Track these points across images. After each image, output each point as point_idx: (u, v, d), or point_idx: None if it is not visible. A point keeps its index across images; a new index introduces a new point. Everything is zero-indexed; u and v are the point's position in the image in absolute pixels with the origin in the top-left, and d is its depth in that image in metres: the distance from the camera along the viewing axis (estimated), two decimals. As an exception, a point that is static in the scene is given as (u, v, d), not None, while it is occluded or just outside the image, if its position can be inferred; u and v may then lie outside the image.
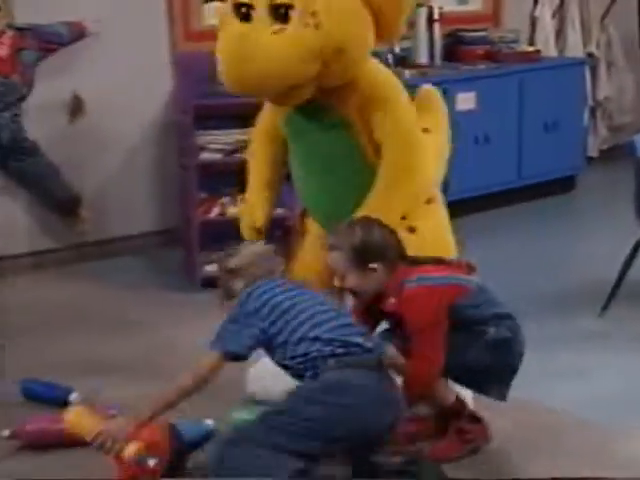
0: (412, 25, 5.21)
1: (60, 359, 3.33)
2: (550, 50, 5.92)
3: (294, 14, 2.66)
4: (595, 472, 2.51)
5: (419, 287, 2.50)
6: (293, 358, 2.35)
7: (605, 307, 3.69)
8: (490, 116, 5.11)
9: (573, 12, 6.14)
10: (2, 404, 2.95)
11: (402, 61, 5.16)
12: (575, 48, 6.10)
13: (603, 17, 6.28)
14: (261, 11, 2.69)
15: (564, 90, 5.48)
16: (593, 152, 6.21)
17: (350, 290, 2.58)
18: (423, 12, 5.21)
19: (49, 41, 4.19)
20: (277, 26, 2.66)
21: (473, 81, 5.13)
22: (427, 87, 3.27)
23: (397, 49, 5.19)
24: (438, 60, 5.29)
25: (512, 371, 2.59)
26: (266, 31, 2.67)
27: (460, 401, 2.64)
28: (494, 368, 2.56)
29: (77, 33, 4.27)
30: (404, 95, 2.93)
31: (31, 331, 3.62)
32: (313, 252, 2.94)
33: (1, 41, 4.05)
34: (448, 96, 4.97)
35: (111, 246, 4.63)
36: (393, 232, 2.60)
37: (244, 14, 2.72)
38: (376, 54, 4.98)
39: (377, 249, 2.52)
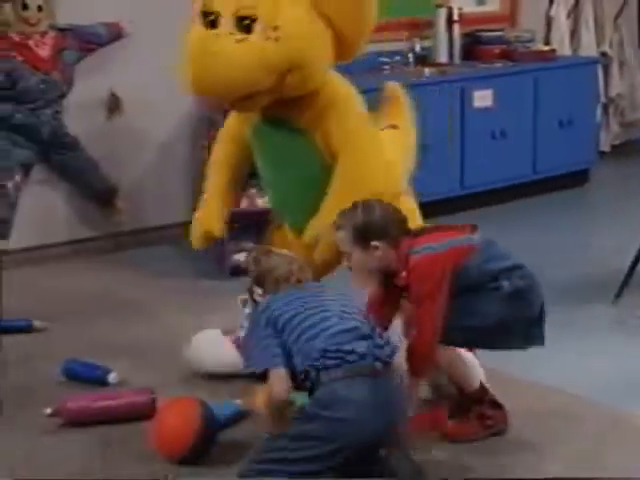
0: (432, 25, 5.21)
1: (98, 342, 3.37)
2: (565, 49, 5.89)
3: (257, 26, 2.70)
4: (610, 455, 2.50)
5: (423, 256, 2.48)
6: (292, 369, 2.32)
7: (618, 295, 3.68)
8: (506, 113, 5.08)
9: (587, 12, 6.09)
10: (45, 383, 2.99)
11: (422, 60, 5.16)
12: (589, 47, 6.05)
13: (616, 17, 6.23)
14: (227, 20, 2.73)
15: (578, 88, 5.44)
16: (605, 147, 6.17)
17: (354, 268, 2.59)
18: (443, 13, 5.20)
19: (89, 41, 4.22)
20: (240, 36, 2.68)
21: (490, 79, 5.11)
22: (392, 84, 3.28)
23: (418, 48, 5.19)
24: (457, 59, 5.27)
25: (538, 317, 2.55)
26: (229, 39, 2.71)
27: (483, 387, 2.62)
28: (518, 320, 2.52)
29: (115, 34, 4.29)
30: (361, 108, 2.95)
31: (71, 315, 3.66)
32: (285, 247, 2.93)
33: (44, 41, 4.08)
34: (466, 93, 4.99)
35: (146, 235, 4.65)
36: (396, 210, 2.60)
37: (211, 21, 2.75)
38: (398, 53, 5.08)
39: (378, 228, 2.53)
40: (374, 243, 2.52)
